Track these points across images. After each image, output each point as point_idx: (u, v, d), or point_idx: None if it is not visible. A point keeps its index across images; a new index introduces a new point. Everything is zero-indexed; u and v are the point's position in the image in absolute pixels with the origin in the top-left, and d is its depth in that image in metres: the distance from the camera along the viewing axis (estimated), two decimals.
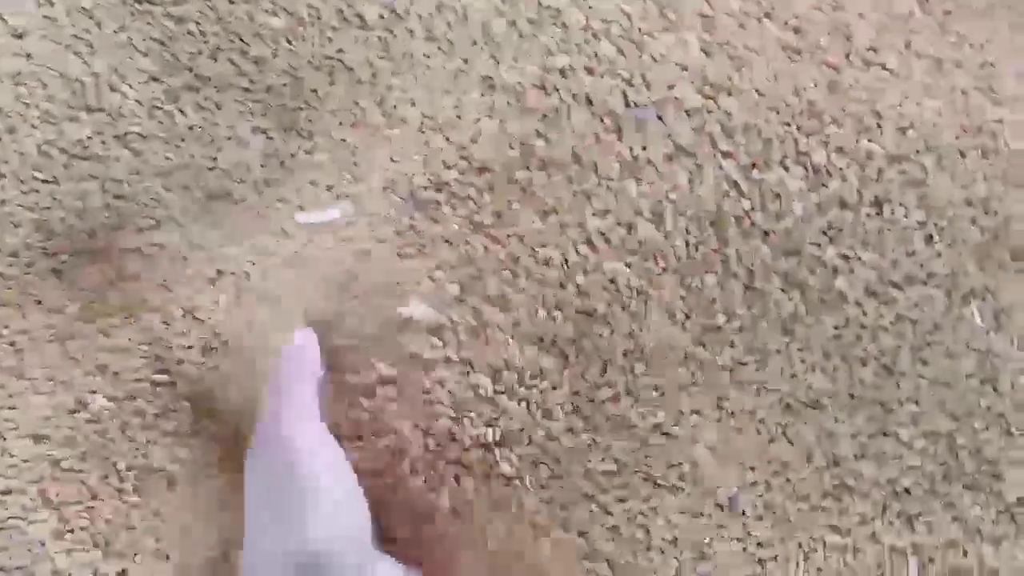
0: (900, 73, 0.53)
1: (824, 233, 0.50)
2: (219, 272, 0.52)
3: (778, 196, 0.50)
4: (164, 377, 0.52)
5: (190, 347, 0.52)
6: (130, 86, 0.53)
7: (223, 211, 0.53)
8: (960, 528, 0.50)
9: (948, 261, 0.50)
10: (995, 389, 0.50)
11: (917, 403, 0.50)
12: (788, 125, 0.51)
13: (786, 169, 0.50)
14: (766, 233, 0.50)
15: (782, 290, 0.50)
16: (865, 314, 0.50)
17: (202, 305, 0.52)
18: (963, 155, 0.51)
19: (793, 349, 0.50)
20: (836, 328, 0.50)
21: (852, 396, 0.50)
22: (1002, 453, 0.49)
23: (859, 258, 0.50)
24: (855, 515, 0.50)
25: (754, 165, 0.50)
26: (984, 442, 0.50)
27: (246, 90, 0.53)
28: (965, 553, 0.50)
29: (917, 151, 0.51)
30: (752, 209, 0.50)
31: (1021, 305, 0.50)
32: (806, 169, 0.50)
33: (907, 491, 0.49)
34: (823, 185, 0.50)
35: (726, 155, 0.50)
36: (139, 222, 0.53)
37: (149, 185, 0.53)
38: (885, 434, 0.50)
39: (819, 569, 0.50)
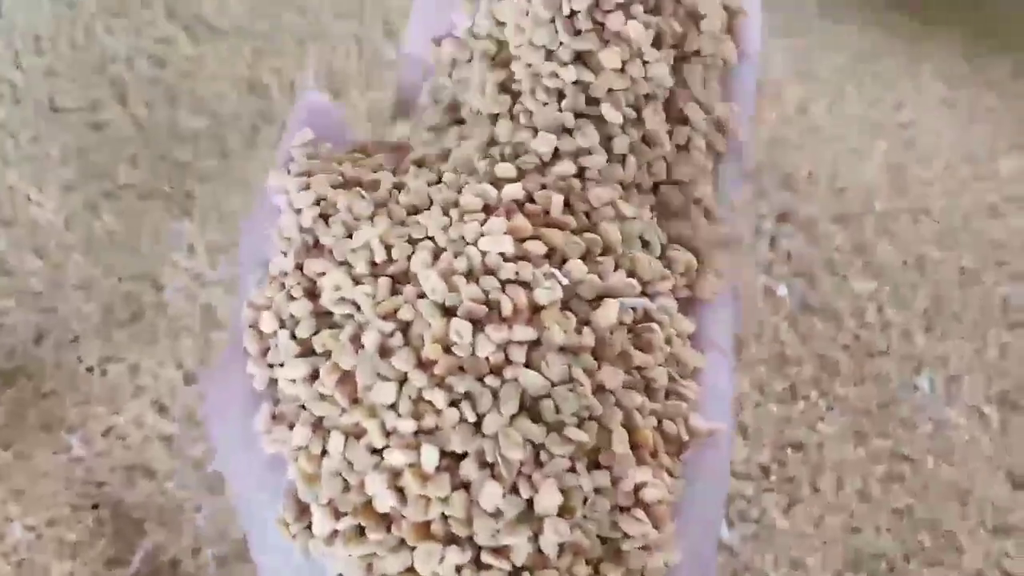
0: (833, 134, 0.52)
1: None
2: (139, 388, 0.50)
3: None
4: (86, 501, 0.49)
5: (112, 470, 0.49)
6: (48, 197, 0.52)
7: (145, 322, 0.51)
8: None
9: (898, 330, 0.49)
10: (949, 461, 0.48)
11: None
12: None
13: None
14: None
15: None
16: (824, 393, 0.48)
17: (124, 423, 0.50)
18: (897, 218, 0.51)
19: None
20: (783, 402, 0.48)
21: None
22: (961, 524, 0.47)
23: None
24: None
25: None
26: (942, 513, 0.47)
27: (168, 195, 0.52)
28: None
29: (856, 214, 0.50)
30: None
31: (970, 373, 0.49)
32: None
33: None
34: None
35: None
36: (58, 336, 0.51)
37: (69, 297, 0.51)
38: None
39: None
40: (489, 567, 0.20)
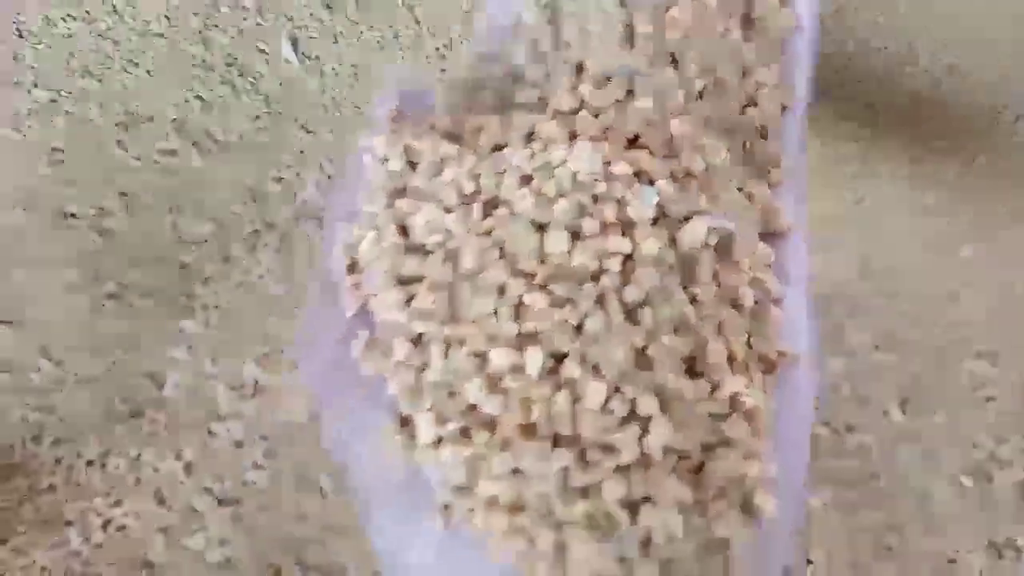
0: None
1: None
2: (138, 480, 0.51)
3: None
4: None
5: (111, 563, 0.49)
6: (54, 298, 0.53)
7: (146, 418, 0.52)
8: None
9: (875, 407, 0.51)
10: (933, 532, 0.49)
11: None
12: None
13: None
14: None
15: None
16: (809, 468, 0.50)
17: (122, 515, 0.50)
18: (867, 302, 0.53)
19: None
20: None
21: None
22: None
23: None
24: None
25: None
26: None
27: (170, 296, 0.54)
28: None
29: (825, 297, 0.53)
30: None
31: (946, 447, 0.51)
32: None
33: None
34: None
35: None
36: (59, 433, 0.51)
37: (70, 396, 0.52)
38: None
39: None
40: (597, 464, 0.20)
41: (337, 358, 0.24)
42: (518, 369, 0.20)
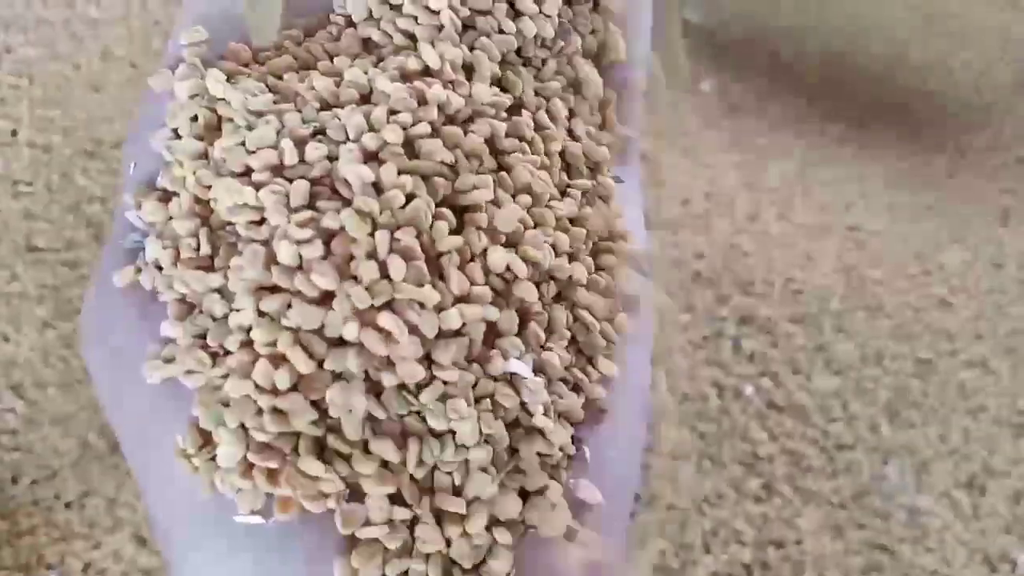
0: (785, 240, 0.55)
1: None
2: (117, 520, 0.50)
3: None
4: None
5: None
6: (24, 335, 0.52)
7: (120, 456, 0.51)
8: None
9: (863, 423, 0.50)
10: (926, 547, 0.49)
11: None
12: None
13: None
14: None
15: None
16: (798, 489, 0.49)
17: (102, 557, 0.49)
18: (853, 316, 0.53)
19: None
20: (760, 500, 0.49)
21: None
22: None
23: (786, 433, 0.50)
24: None
25: None
26: None
27: None
28: None
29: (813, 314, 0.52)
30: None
31: (936, 460, 0.50)
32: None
33: None
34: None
35: None
36: (36, 474, 0.51)
37: (46, 434, 0.51)
38: None
39: None
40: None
41: (125, 345, 0.21)
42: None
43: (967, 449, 0.50)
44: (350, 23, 0.24)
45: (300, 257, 0.19)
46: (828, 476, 0.49)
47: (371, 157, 0.20)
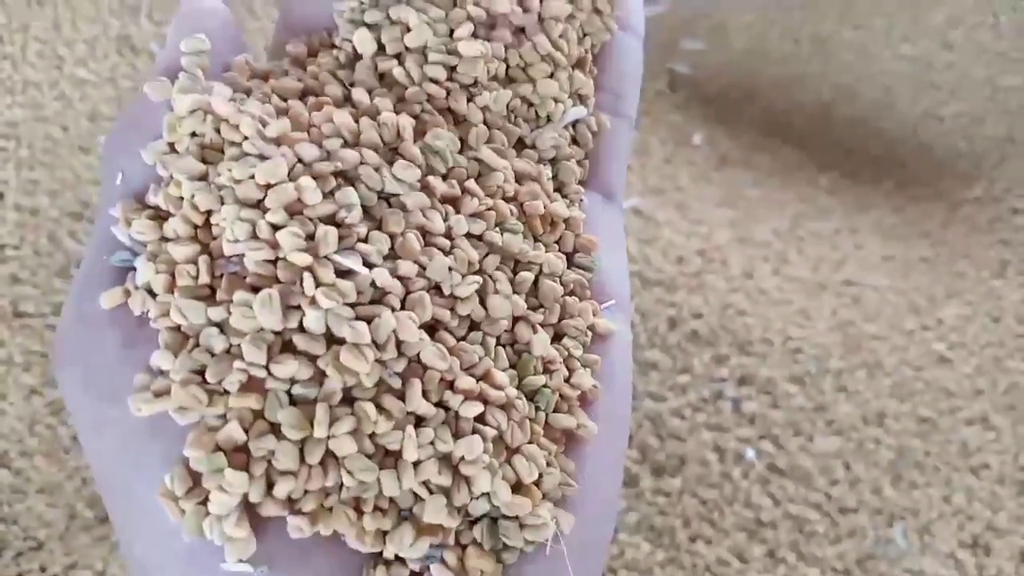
0: (780, 296, 0.54)
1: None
2: None
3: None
4: None
5: None
6: (11, 403, 0.51)
7: (109, 524, 0.50)
8: None
9: (867, 486, 0.50)
10: None
11: None
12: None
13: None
14: None
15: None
16: (802, 556, 0.48)
17: None
18: (853, 375, 0.52)
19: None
20: (764, 571, 0.48)
21: None
22: None
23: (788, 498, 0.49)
24: None
25: None
26: None
27: None
28: None
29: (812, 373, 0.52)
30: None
31: (940, 520, 0.49)
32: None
33: None
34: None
35: None
36: (21, 545, 0.49)
37: (31, 504, 0.50)
38: None
39: None
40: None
41: (106, 372, 0.19)
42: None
43: (971, 509, 0.50)
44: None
45: (327, 326, 0.18)
46: (832, 541, 0.48)
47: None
